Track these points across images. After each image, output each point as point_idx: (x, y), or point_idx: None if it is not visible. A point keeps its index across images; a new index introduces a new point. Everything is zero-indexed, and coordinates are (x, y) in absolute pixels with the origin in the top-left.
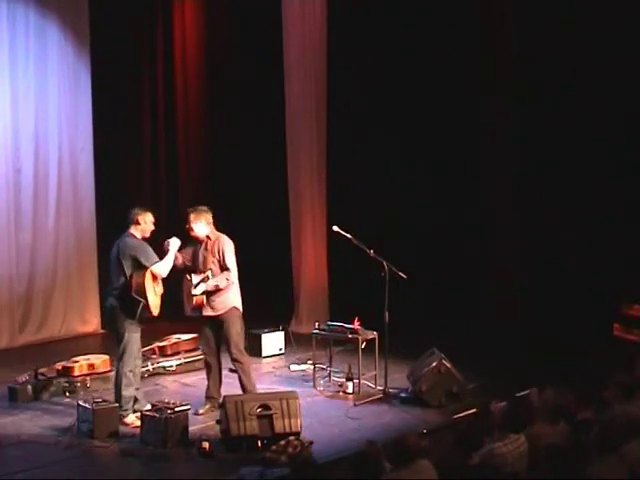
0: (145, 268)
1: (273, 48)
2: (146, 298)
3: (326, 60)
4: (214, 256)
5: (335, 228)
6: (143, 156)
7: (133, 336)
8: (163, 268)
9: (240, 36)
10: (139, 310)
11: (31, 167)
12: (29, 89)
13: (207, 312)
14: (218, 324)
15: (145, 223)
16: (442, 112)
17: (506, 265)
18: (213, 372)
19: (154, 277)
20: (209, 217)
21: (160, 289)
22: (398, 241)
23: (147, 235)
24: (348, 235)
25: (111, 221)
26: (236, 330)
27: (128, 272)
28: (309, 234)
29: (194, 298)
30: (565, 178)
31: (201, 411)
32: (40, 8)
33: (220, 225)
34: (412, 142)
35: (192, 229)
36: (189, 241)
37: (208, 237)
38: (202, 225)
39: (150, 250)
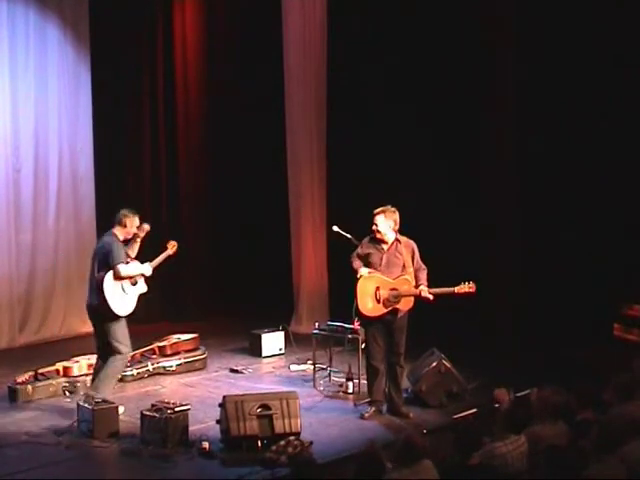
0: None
1: (273, 48)
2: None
3: (326, 60)
4: (404, 259)
5: (335, 228)
6: (143, 156)
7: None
8: (125, 270)
9: (240, 36)
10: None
11: (31, 167)
12: (29, 89)
13: (399, 313)
14: (390, 327)
15: (130, 226)
16: (442, 112)
17: (506, 265)
18: (380, 377)
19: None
20: (397, 218)
21: (138, 289)
22: None
23: (129, 237)
24: (348, 235)
25: (111, 221)
26: (406, 335)
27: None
28: (309, 234)
29: (424, 296)
30: (565, 178)
31: (367, 415)
32: (40, 8)
33: (220, 225)
34: (412, 142)
35: (379, 231)
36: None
37: (398, 240)
38: (390, 226)
39: (122, 252)
